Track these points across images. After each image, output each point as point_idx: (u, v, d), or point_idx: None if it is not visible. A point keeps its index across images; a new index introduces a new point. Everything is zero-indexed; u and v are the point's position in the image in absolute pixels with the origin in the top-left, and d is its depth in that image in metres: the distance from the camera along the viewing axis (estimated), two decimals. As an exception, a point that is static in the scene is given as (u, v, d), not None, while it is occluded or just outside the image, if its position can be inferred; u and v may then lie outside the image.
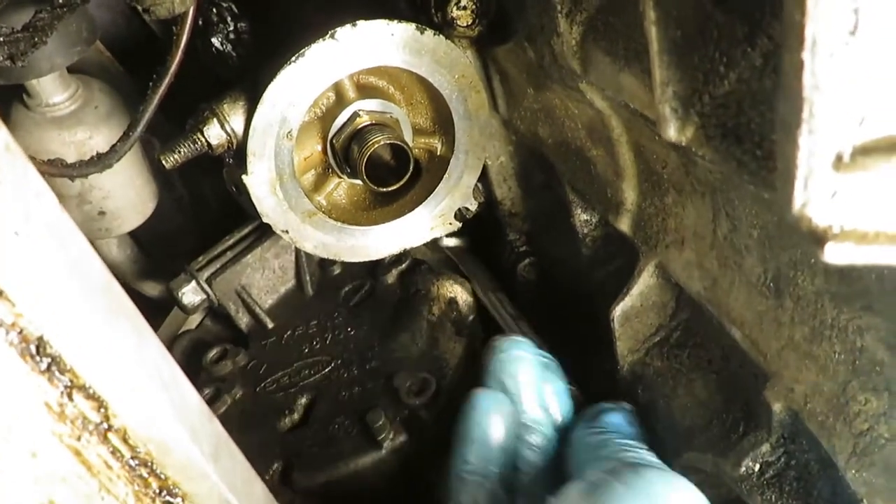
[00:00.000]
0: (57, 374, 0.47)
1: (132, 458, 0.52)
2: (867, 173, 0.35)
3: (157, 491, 0.54)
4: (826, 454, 0.63)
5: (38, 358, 0.46)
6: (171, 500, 0.55)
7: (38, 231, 0.45)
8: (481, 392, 0.79)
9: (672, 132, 0.51)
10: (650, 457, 0.71)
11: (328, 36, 0.90)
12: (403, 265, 1.14)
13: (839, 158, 0.34)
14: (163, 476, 0.54)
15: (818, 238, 0.36)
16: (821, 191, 0.35)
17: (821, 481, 0.65)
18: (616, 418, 0.79)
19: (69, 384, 0.47)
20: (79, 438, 0.48)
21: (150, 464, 0.53)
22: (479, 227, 1.17)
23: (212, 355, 1.10)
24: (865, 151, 0.34)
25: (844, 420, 0.60)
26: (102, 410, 0.49)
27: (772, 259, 0.64)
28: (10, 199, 0.43)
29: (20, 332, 0.45)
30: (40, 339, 0.46)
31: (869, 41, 0.32)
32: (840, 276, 0.56)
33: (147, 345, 0.53)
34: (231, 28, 1.05)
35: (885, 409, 0.57)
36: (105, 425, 0.50)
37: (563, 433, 0.80)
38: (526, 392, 0.79)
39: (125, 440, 0.51)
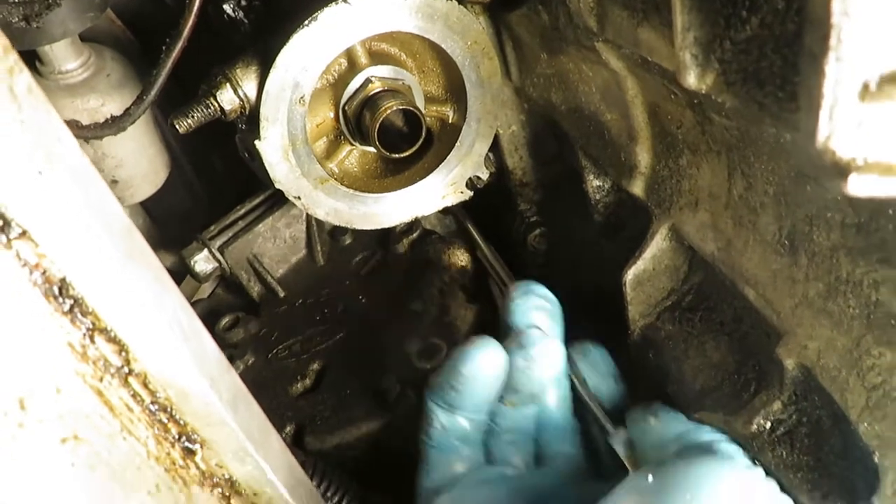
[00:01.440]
0: (79, 315, 0.47)
1: (152, 402, 0.52)
2: (894, 103, 0.35)
3: (177, 436, 0.55)
4: (838, 409, 0.63)
5: (60, 299, 0.46)
6: (190, 446, 0.56)
7: (60, 173, 0.45)
8: (481, 345, 0.76)
9: (692, 79, 0.51)
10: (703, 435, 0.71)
11: (341, -1, 0.90)
12: (414, 234, 1.15)
13: (866, 87, 0.34)
14: (182, 422, 0.55)
15: (842, 170, 0.36)
16: (846, 122, 0.34)
17: (832, 436, 0.65)
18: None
19: (91, 326, 0.48)
20: (101, 380, 0.49)
21: (169, 409, 0.54)
22: (489, 198, 1.17)
23: (224, 323, 1.11)
24: (893, 80, 0.34)
25: (858, 374, 0.61)
26: (123, 354, 0.50)
27: (787, 216, 0.64)
28: (33, 140, 0.43)
29: (43, 273, 0.45)
30: (63, 280, 0.46)
31: (899, -36, 0.32)
32: (857, 229, 0.56)
33: (167, 292, 0.53)
34: (243, -6, 1.05)
35: (900, 362, 0.57)
36: (126, 369, 0.50)
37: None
38: (535, 342, 0.77)
39: (145, 385, 0.52)
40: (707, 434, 0.71)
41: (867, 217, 0.55)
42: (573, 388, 0.82)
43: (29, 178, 0.43)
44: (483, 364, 0.74)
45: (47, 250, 0.45)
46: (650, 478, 0.62)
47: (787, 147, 0.51)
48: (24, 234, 0.44)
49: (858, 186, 0.36)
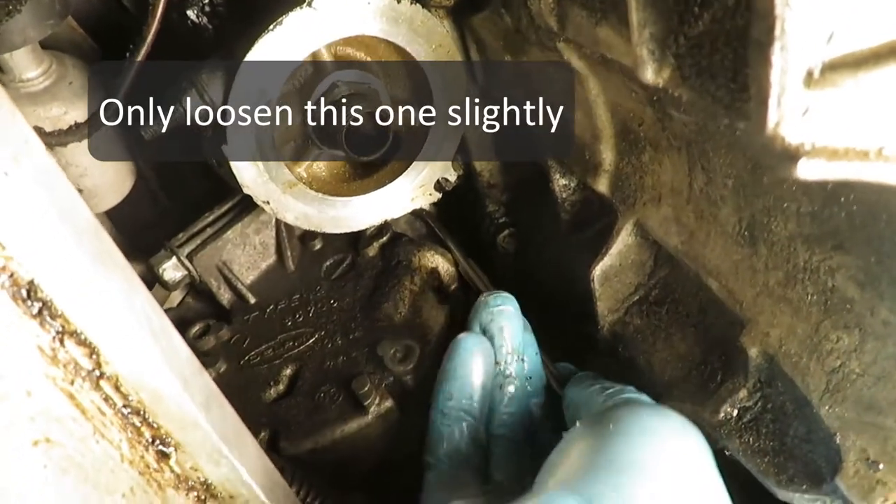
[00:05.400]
0: (48, 318, 0.47)
1: (124, 406, 0.52)
2: (836, 90, 0.36)
3: (150, 440, 0.54)
4: (800, 394, 0.65)
5: (29, 302, 0.46)
6: (164, 449, 0.55)
7: (27, 174, 0.45)
8: (468, 334, 0.85)
9: (649, 74, 0.53)
10: (643, 397, 0.74)
11: (305, 4, 0.90)
12: (385, 237, 1.15)
13: (810, 75, 0.36)
14: (155, 425, 0.54)
15: (791, 155, 0.37)
16: (793, 108, 0.36)
17: (796, 421, 0.67)
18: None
19: (61, 329, 0.48)
20: (72, 383, 0.48)
21: (142, 412, 0.53)
22: (458, 200, 1.18)
23: (195, 331, 1.10)
24: (834, 68, 0.36)
25: (817, 359, 0.63)
26: (94, 357, 0.50)
27: (746, 207, 0.66)
28: (-2, 142, 0.43)
29: (11, 276, 0.45)
30: (31, 282, 0.46)
31: (836, -41, 0.34)
32: (811, 217, 0.59)
33: (137, 293, 0.53)
34: (206, 0, 1.05)
35: (856, 345, 0.59)
36: (97, 372, 0.50)
37: (531, 392, 0.87)
38: (508, 345, 0.85)
39: (117, 388, 0.52)
40: (632, 392, 0.76)
41: (820, 205, 0.57)
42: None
43: (-6, 180, 0.43)
44: (467, 350, 0.83)
45: (14, 252, 0.45)
46: (594, 424, 0.65)
47: (742, 139, 0.53)
48: (-10, 236, 0.43)
49: (807, 170, 0.38)
